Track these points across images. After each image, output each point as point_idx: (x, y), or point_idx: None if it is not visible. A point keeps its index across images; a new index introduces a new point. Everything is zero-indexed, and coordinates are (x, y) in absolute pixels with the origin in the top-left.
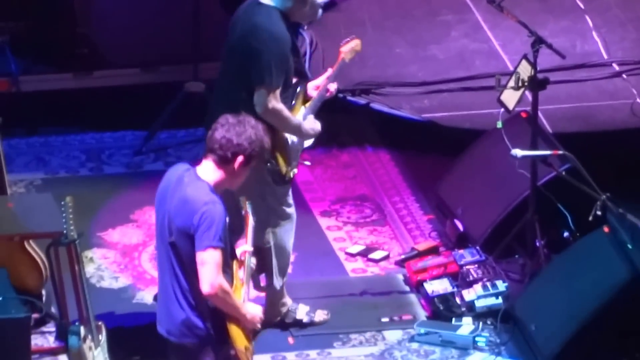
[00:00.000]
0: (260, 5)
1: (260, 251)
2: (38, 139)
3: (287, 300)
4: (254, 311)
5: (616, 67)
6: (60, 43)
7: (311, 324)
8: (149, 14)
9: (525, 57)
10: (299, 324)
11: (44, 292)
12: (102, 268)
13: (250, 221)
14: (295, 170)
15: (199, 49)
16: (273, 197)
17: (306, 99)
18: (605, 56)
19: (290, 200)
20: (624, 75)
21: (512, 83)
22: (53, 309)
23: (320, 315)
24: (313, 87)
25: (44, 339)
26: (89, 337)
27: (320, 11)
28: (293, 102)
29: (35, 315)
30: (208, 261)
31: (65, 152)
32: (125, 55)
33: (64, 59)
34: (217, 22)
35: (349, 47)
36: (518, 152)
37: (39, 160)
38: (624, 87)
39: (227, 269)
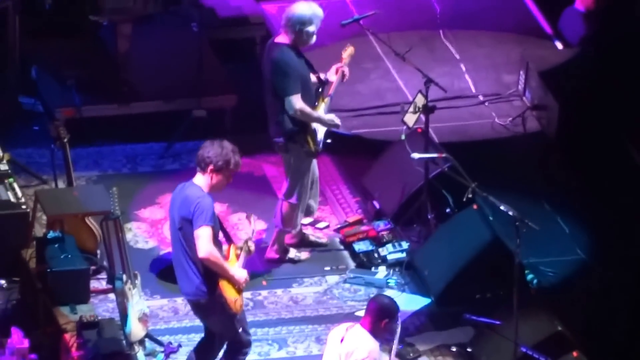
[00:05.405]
0: (275, 45)
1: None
2: (94, 149)
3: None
4: (240, 274)
5: (481, 98)
6: (109, 83)
7: (299, 260)
8: (167, 64)
9: (420, 91)
10: (291, 261)
11: (98, 251)
12: (137, 235)
13: (249, 247)
14: (320, 148)
15: (201, 86)
16: (306, 165)
17: (324, 96)
18: (474, 90)
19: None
20: (486, 103)
21: (411, 109)
22: (105, 263)
23: (304, 255)
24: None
25: (99, 283)
26: (129, 281)
27: (314, 37)
28: (316, 102)
29: (92, 267)
30: (202, 235)
31: (112, 157)
32: (152, 92)
33: (111, 94)
34: (213, 66)
35: (347, 53)
36: (416, 155)
37: (94, 163)
38: (487, 111)
39: (219, 243)
